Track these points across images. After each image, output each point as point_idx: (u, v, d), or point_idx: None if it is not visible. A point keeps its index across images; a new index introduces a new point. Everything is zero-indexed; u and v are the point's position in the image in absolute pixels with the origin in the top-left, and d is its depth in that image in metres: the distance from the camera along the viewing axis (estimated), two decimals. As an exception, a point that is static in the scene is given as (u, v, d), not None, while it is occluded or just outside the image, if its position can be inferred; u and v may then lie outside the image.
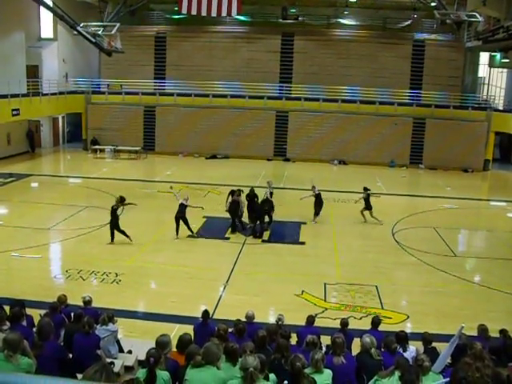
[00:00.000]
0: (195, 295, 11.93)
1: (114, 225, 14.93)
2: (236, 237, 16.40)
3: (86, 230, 16.02)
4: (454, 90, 30.39)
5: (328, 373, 5.93)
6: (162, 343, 6.13)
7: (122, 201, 15.19)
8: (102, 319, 7.96)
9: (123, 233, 14.93)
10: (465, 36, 26.72)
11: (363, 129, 30.29)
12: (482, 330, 7.86)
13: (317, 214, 18.08)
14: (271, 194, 17.46)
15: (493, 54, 30.11)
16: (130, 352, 8.35)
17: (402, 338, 7.55)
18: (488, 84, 33.33)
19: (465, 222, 20.14)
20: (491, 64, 31.68)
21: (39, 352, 6.03)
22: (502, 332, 7.87)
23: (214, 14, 23.67)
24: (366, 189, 18.19)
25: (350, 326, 8.35)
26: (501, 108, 30.87)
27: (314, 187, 18.06)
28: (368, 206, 17.96)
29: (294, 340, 7.86)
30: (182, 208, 15.60)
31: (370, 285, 12.76)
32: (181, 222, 15.69)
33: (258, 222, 16.67)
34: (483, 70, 33.69)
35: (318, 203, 18.05)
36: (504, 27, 20.46)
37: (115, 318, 8.31)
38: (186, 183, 23.14)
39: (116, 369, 7.26)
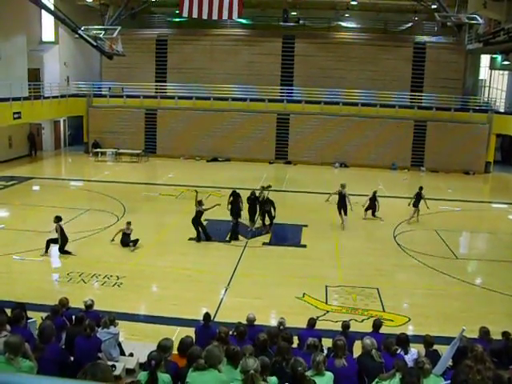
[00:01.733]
0: (196, 298, 11.92)
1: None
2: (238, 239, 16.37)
3: (88, 233, 16.03)
4: (455, 93, 30.40)
5: (329, 375, 5.91)
6: (164, 347, 6.12)
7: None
8: (103, 322, 7.96)
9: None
10: (466, 38, 26.73)
11: (364, 131, 30.26)
12: (484, 332, 7.85)
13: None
14: (345, 196, 17.51)
15: (494, 56, 30.14)
16: (131, 355, 8.36)
17: (403, 341, 7.52)
18: (489, 86, 33.31)
19: (466, 224, 20.11)
20: (492, 66, 31.70)
21: (40, 355, 6.04)
22: (505, 334, 7.84)
23: (215, 17, 23.60)
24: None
25: (351, 329, 8.34)
26: (502, 110, 30.82)
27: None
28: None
29: (295, 343, 7.85)
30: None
31: (372, 287, 12.74)
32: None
33: (236, 222, 16.52)
34: (484, 73, 33.72)
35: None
36: (505, 29, 20.44)
37: (116, 321, 8.33)
38: (187, 186, 23.12)
39: (117, 372, 7.28)
